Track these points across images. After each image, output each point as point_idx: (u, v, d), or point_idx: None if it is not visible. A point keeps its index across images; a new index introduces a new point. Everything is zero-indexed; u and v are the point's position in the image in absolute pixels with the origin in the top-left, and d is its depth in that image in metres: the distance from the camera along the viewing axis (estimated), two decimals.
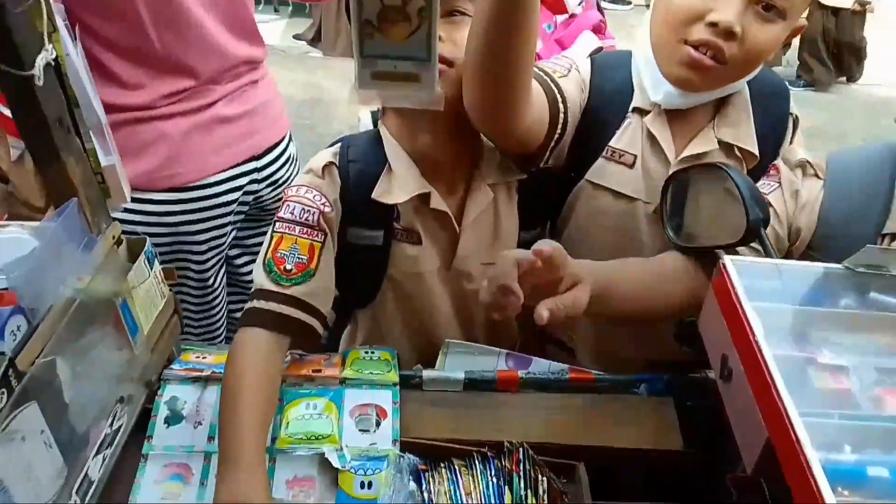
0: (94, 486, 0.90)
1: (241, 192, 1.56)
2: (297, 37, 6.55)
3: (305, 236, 1.06)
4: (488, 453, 0.97)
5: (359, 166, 1.11)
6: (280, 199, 1.16)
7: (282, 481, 0.97)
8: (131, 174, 1.31)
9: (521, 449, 0.95)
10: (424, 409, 1.06)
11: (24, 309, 0.79)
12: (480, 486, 0.93)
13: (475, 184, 1.13)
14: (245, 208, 1.62)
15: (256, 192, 1.60)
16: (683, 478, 1.00)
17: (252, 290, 1.06)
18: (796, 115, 1.20)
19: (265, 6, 7.14)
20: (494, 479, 0.94)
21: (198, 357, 1.13)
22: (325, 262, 1.07)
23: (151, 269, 1.06)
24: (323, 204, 1.08)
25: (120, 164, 1.02)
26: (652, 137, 1.14)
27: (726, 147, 1.14)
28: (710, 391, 0.91)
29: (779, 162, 1.14)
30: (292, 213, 1.07)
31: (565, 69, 1.14)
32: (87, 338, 0.89)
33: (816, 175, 1.10)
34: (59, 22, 0.85)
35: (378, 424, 1.02)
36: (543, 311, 0.84)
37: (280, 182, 1.64)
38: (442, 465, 0.97)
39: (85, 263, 0.90)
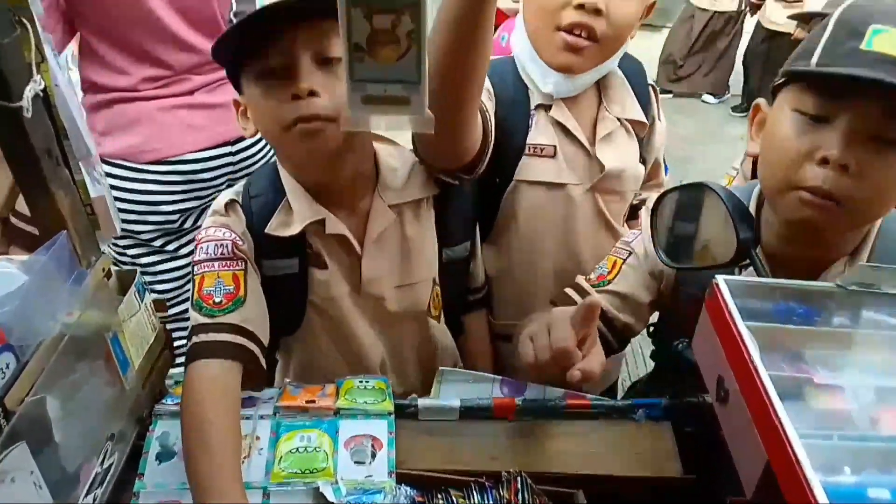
0: None
1: (215, 172, 1.72)
2: None
3: (226, 268, 1.07)
4: (486, 483, 0.96)
5: (261, 200, 1.13)
6: None
7: None
8: (121, 146, 1.62)
9: (518, 478, 0.94)
10: (420, 439, 1.05)
11: (12, 346, 0.78)
12: None
13: (375, 205, 1.14)
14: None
15: (231, 174, 1.75)
16: (684, 503, 0.99)
17: (190, 328, 1.05)
18: (654, 85, 1.42)
19: None
20: None
21: None
22: (251, 287, 1.08)
23: (142, 301, 1.05)
24: (233, 238, 1.09)
25: (110, 195, 1.01)
26: (562, 127, 1.29)
27: (622, 122, 1.32)
28: (707, 415, 0.91)
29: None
30: (207, 252, 1.08)
31: None
32: (77, 374, 0.88)
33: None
34: (48, 52, 0.85)
35: (374, 455, 1.01)
36: (576, 372, 0.89)
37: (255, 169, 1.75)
38: (439, 496, 0.95)
39: (74, 297, 0.89)
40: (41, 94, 0.84)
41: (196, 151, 1.67)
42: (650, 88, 1.41)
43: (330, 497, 0.95)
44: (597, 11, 1.16)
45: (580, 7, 1.16)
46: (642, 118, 1.35)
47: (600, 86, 1.33)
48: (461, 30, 0.85)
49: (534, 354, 0.91)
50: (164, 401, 1.08)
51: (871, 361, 0.73)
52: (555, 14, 1.19)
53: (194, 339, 1.03)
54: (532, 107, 1.29)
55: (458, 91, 0.93)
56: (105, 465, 0.94)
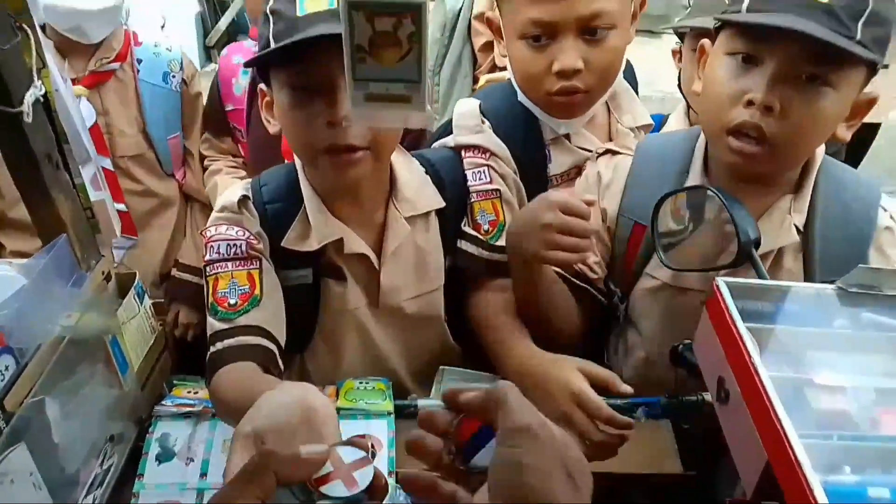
0: None
1: None
2: None
3: (241, 268, 1.04)
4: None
5: (276, 207, 1.10)
6: None
7: None
8: None
9: None
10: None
11: (12, 348, 0.78)
12: None
13: (391, 218, 1.12)
14: None
15: None
16: (683, 501, 1.00)
17: (209, 335, 1.02)
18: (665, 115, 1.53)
19: None
20: None
21: (189, 392, 1.11)
22: (268, 285, 1.05)
23: (141, 304, 1.05)
24: (247, 236, 1.06)
25: (110, 199, 1.01)
26: (584, 148, 1.26)
27: (634, 131, 1.30)
28: (708, 414, 0.91)
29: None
30: (219, 252, 1.05)
31: (495, 187, 1.21)
32: (76, 376, 0.88)
33: (625, 154, 1.20)
34: (49, 58, 0.85)
35: (373, 455, 1.00)
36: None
37: None
38: None
39: (74, 300, 0.89)
40: (42, 99, 0.84)
41: None
42: (636, 87, 1.42)
43: (329, 496, 0.94)
44: (576, 72, 1.14)
45: (560, 74, 1.15)
46: (649, 121, 1.35)
47: (609, 99, 1.31)
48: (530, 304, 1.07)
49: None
50: (163, 402, 1.08)
51: (871, 362, 0.73)
52: (541, 84, 1.18)
53: (212, 348, 1.01)
54: (546, 139, 1.27)
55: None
56: (105, 467, 0.94)
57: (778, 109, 0.94)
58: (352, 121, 0.69)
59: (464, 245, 1.20)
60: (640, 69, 1.56)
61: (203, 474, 1.00)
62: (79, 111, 0.94)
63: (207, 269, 1.06)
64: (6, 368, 0.77)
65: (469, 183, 1.21)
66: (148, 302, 1.08)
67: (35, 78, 0.81)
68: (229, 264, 1.04)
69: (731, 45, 0.99)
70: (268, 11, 0.98)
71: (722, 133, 1.00)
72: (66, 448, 0.84)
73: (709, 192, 1.02)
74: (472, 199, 1.20)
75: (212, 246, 1.06)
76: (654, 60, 2.24)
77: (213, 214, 1.10)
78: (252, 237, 1.06)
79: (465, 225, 1.21)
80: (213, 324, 1.02)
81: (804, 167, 1.08)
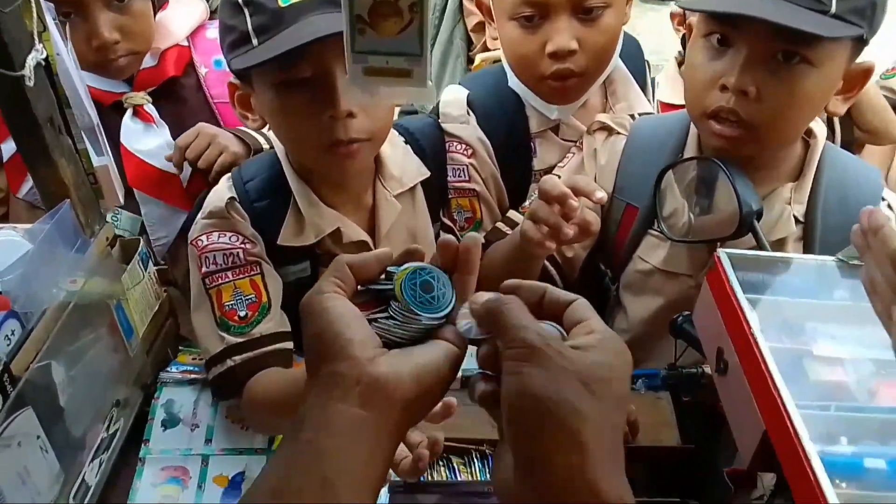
0: (91, 491, 0.90)
1: None
2: None
3: (241, 275, 1.01)
4: (486, 450, 0.97)
5: (265, 206, 1.05)
6: None
7: None
8: None
9: None
10: None
11: (17, 313, 0.79)
12: None
13: (380, 198, 1.10)
14: None
15: None
16: (682, 472, 1.01)
17: (221, 350, 0.99)
18: (648, 62, 1.39)
19: None
20: None
21: (194, 359, 1.12)
22: (273, 288, 1.03)
23: (146, 270, 1.06)
24: (242, 242, 1.02)
25: (113, 164, 1.01)
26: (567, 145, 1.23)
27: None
28: (707, 386, 0.91)
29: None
30: (216, 263, 1.01)
31: (472, 187, 1.19)
32: (81, 341, 0.88)
33: (619, 133, 1.17)
34: (49, 21, 0.84)
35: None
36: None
37: None
38: (440, 463, 0.96)
39: (79, 266, 0.90)
40: (43, 62, 0.83)
41: None
42: (646, 65, 1.38)
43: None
44: (570, 53, 1.11)
45: (554, 55, 1.11)
46: (649, 108, 1.30)
47: (605, 82, 1.27)
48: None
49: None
50: (168, 368, 1.09)
51: (870, 334, 0.73)
52: (534, 66, 1.14)
53: (229, 361, 0.98)
54: (532, 130, 1.24)
55: None
56: (111, 431, 0.95)
57: (753, 93, 0.92)
58: (349, 94, 0.66)
59: (443, 236, 1.19)
60: (647, 37, 1.54)
61: (208, 440, 1.01)
62: (80, 75, 0.93)
63: (207, 281, 1.01)
64: (12, 333, 0.78)
65: (448, 178, 1.19)
66: (152, 268, 1.08)
67: (36, 41, 0.81)
68: (229, 273, 1.01)
69: (705, 27, 0.97)
70: (240, 2, 0.92)
71: (703, 117, 0.99)
72: (73, 412, 0.85)
73: (712, 163, 1.01)
74: (451, 195, 1.19)
75: (207, 257, 1.01)
76: (661, 28, 2.21)
77: (202, 221, 1.04)
78: (247, 240, 1.03)
79: (443, 216, 1.20)
80: (228, 338, 0.99)
81: (805, 154, 1.06)
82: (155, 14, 1.28)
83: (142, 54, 1.26)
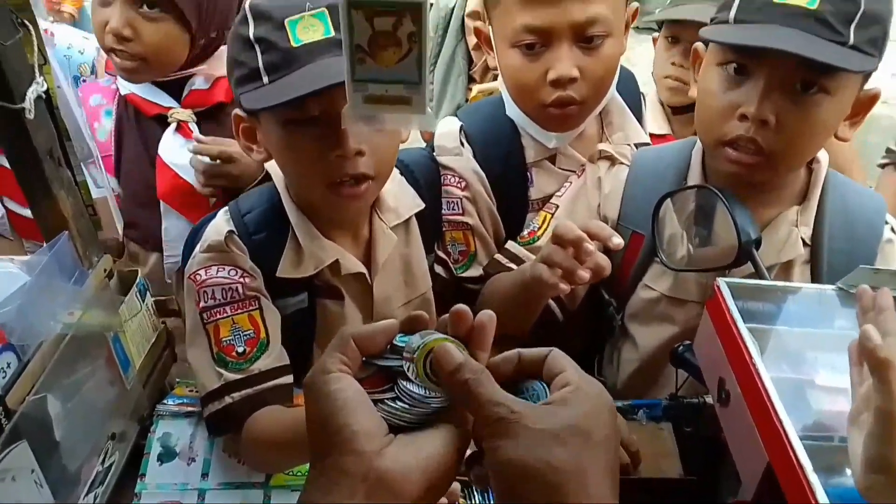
0: None
1: None
2: None
3: (240, 310, 1.00)
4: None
5: (262, 239, 1.04)
6: None
7: None
8: None
9: None
10: None
11: (14, 345, 0.78)
12: None
13: (377, 230, 1.10)
14: None
15: None
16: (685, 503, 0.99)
17: (218, 386, 0.98)
18: (643, 93, 1.40)
19: None
20: None
21: (191, 391, 1.11)
22: (271, 323, 1.02)
23: (143, 301, 1.05)
24: (241, 276, 1.01)
25: (112, 196, 1.01)
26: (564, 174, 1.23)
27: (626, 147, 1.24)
28: (709, 416, 0.90)
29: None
30: (214, 298, 1.00)
31: (466, 220, 1.20)
32: (78, 374, 0.88)
33: (622, 163, 1.19)
34: (50, 54, 0.85)
35: None
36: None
37: None
38: None
39: (76, 298, 0.89)
40: (43, 95, 0.84)
41: None
42: (641, 98, 1.39)
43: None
44: (571, 81, 1.11)
45: (556, 83, 1.11)
46: (645, 138, 1.30)
47: (602, 113, 1.27)
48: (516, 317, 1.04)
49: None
50: (165, 401, 1.08)
51: None
52: (536, 94, 1.14)
53: (227, 398, 0.97)
54: (529, 160, 1.24)
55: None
56: (106, 465, 0.94)
57: (773, 122, 0.92)
58: (357, 132, 0.66)
59: (437, 268, 1.20)
60: (641, 65, 1.55)
61: (204, 474, 1.00)
62: (80, 108, 0.94)
63: (204, 315, 1.00)
64: (8, 366, 0.77)
65: (442, 211, 1.20)
66: (150, 299, 1.08)
67: (37, 74, 0.82)
68: (228, 308, 1.00)
69: (721, 56, 0.98)
70: (251, 38, 0.92)
71: (718, 145, 0.99)
72: (68, 446, 0.84)
73: (710, 192, 1.01)
74: (445, 228, 1.20)
75: (205, 291, 1.00)
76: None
77: (200, 254, 1.03)
78: (246, 274, 1.02)
79: (438, 248, 1.21)
80: (226, 375, 0.98)
81: (809, 177, 1.07)
82: (191, 39, 1.29)
83: (150, 66, 1.28)
